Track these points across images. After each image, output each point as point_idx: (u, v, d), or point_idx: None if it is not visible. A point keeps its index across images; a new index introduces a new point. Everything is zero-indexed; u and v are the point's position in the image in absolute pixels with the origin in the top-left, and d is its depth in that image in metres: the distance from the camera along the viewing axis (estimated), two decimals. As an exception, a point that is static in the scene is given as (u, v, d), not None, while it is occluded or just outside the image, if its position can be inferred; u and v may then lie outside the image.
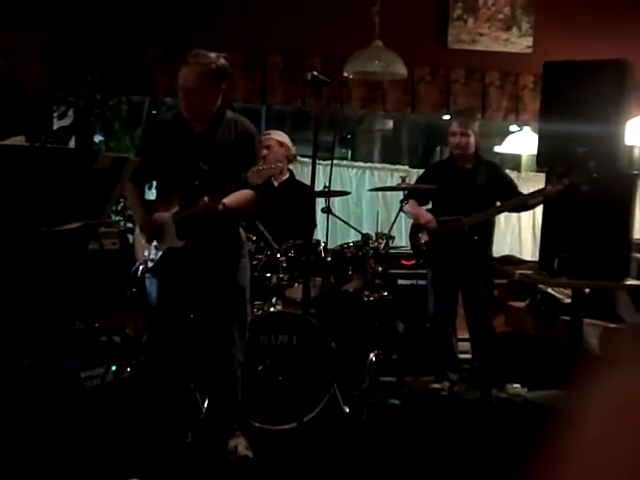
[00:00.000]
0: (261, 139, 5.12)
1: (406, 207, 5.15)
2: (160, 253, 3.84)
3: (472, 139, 5.08)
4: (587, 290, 4.94)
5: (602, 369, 0.73)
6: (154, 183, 4.35)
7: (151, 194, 4.61)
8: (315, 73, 3.61)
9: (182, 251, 3.78)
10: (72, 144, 5.56)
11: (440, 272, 5.19)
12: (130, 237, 4.64)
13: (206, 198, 3.61)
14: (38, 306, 4.22)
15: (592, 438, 0.70)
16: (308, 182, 3.71)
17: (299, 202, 4.85)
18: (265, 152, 4.94)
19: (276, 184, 5.09)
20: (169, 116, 3.99)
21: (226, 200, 3.63)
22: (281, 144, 5.04)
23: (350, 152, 9.93)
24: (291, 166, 5.26)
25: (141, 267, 3.92)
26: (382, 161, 8.88)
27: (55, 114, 5.64)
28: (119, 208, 5.46)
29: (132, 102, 6.60)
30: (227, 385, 3.91)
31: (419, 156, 10.10)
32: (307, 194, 4.84)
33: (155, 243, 3.86)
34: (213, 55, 3.70)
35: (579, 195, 4.46)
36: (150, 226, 3.84)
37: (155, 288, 3.92)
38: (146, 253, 3.90)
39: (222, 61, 3.72)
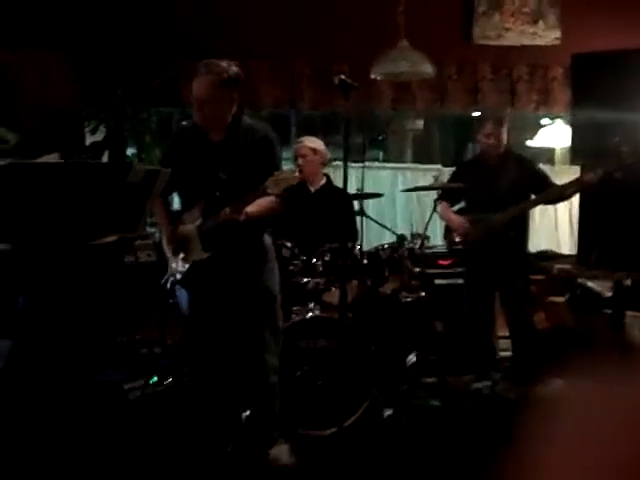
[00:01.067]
0: (294, 147, 5.14)
1: (438, 209, 5.12)
2: (187, 265, 3.85)
3: (504, 137, 5.03)
4: (628, 282, 4.88)
5: None
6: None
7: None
8: (342, 77, 3.62)
9: (208, 261, 3.77)
10: (105, 158, 5.63)
11: (476, 270, 5.15)
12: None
13: (227, 210, 3.59)
14: (78, 320, 4.26)
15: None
16: (341, 185, 3.70)
17: (337, 208, 4.84)
18: (300, 161, 4.94)
19: (312, 190, 5.09)
20: (188, 126, 3.99)
21: (248, 209, 3.60)
22: (315, 151, 5.03)
23: (382, 153, 9.91)
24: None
25: (170, 279, 3.93)
26: (414, 161, 8.86)
27: (87, 129, 5.71)
28: (154, 220, 5.50)
29: (161, 114, 6.65)
30: (263, 392, 3.91)
31: (451, 154, 10.05)
32: (345, 200, 4.84)
33: (182, 255, 3.87)
34: (224, 64, 3.67)
35: (614, 183, 4.41)
36: (175, 239, 3.85)
37: (185, 299, 3.93)
38: (174, 265, 3.91)
39: (234, 69, 3.69)
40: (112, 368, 3.98)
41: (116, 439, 3.69)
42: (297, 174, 3.53)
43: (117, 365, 4.06)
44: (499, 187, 5.00)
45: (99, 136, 5.74)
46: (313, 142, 5.07)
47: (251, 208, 3.62)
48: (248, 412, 4.08)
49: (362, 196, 4.92)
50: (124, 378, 3.85)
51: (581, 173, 4.77)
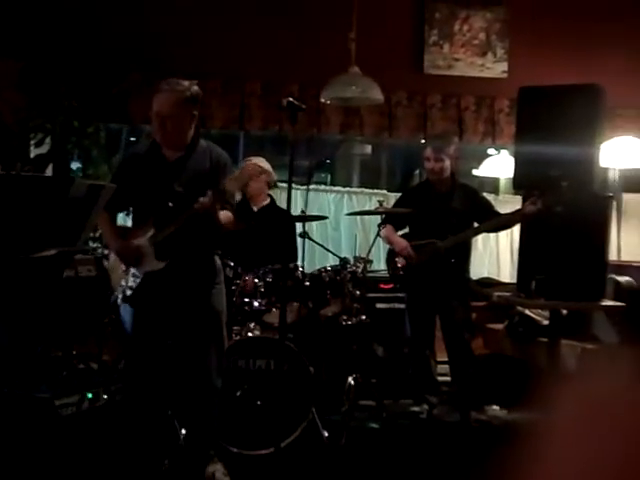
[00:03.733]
0: (241, 165, 5.18)
1: (382, 232, 5.17)
2: (138, 280, 3.84)
3: (446, 163, 5.11)
4: (564, 311, 4.97)
5: (578, 390, 0.75)
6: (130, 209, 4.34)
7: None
8: (290, 99, 3.67)
9: (159, 277, 3.77)
10: (50, 172, 5.57)
11: (417, 296, 5.21)
12: (106, 263, 4.63)
13: (207, 196, 3.57)
14: (13, 333, 4.20)
15: (567, 457, 0.72)
16: (285, 207, 3.75)
17: (278, 228, 4.88)
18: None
19: (256, 209, 5.13)
20: (142, 147, 4.02)
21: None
22: (262, 171, 5.09)
23: (329, 176, 9.98)
24: (270, 191, 5.29)
25: (120, 295, 3.91)
26: (361, 185, 8.93)
27: (32, 142, 5.65)
28: (97, 235, 5.45)
29: (110, 129, 6.61)
30: (204, 411, 3.91)
31: (398, 180, 10.17)
32: (287, 221, 4.89)
33: (133, 271, 3.85)
34: (186, 82, 3.77)
35: (554, 216, 4.51)
36: (128, 251, 3.84)
37: (129, 315, 3.91)
38: (123, 282, 3.89)
39: (195, 88, 3.78)
40: (46, 383, 3.91)
41: (47, 456, 3.63)
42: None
43: (52, 380, 4.00)
44: (445, 214, 5.08)
45: (45, 149, 5.69)
46: (261, 162, 5.12)
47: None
48: (184, 431, 4.07)
49: (306, 218, 4.96)
50: (58, 393, 3.79)
51: (523, 204, 4.85)
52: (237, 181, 3.59)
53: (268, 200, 5.20)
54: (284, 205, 4.30)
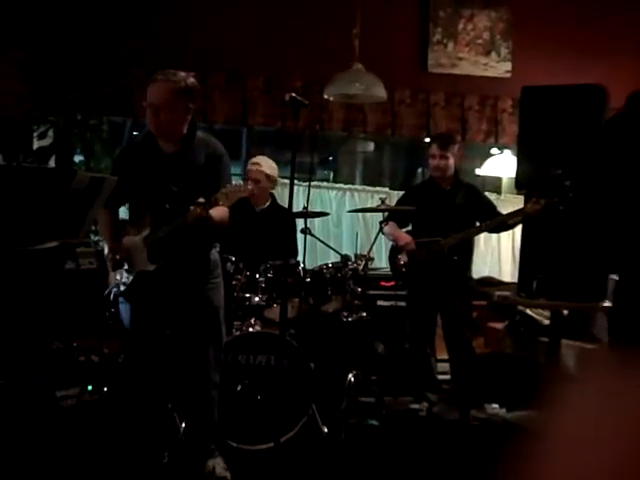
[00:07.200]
0: (249, 168, 5.11)
1: (385, 229, 5.18)
2: (132, 277, 3.82)
3: (451, 161, 5.12)
4: (565, 311, 4.97)
5: (577, 390, 0.74)
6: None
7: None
8: (293, 95, 3.65)
9: (154, 274, 3.74)
10: (52, 164, 5.57)
11: (419, 293, 5.21)
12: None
13: (198, 209, 3.46)
14: (14, 325, 4.20)
15: (565, 457, 0.71)
16: (286, 203, 3.73)
17: (281, 227, 4.86)
18: (251, 186, 4.91)
19: (258, 210, 5.09)
20: (139, 138, 3.96)
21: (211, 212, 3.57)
22: (268, 177, 5.03)
23: (332, 173, 9.97)
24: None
25: (114, 290, 3.90)
26: (364, 183, 8.92)
27: (35, 134, 5.64)
28: (98, 228, 5.44)
29: (113, 123, 6.61)
30: (203, 406, 3.90)
31: (400, 178, 10.16)
32: (289, 219, 4.86)
33: (126, 266, 3.83)
34: (182, 74, 3.70)
35: (556, 215, 4.50)
36: (117, 254, 3.81)
37: (127, 311, 3.90)
38: (118, 277, 3.87)
39: (191, 80, 3.72)
40: (47, 375, 3.91)
41: (47, 447, 3.63)
42: (249, 187, 3.55)
43: (52, 372, 4.00)
44: (447, 212, 5.08)
45: (47, 141, 5.68)
46: (270, 168, 5.05)
47: (212, 212, 3.56)
48: (184, 424, 4.07)
49: (308, 215, 4.95)
50: (59, 385, 3.79)
51: (525, 203, 4.86)
52: (229, 198, 3.44)
53: (270, 201, 5.16)
54: (285, 201, 4.29)
